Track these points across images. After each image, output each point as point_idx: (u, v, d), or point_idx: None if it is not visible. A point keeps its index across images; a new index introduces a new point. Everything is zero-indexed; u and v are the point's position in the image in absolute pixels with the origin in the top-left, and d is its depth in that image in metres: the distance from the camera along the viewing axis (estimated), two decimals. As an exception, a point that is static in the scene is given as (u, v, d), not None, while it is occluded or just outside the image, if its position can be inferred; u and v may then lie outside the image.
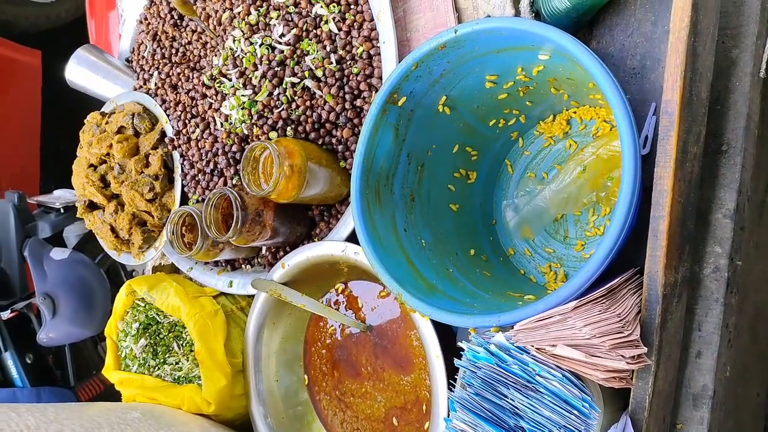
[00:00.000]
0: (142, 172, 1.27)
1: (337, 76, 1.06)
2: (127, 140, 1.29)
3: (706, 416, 0.84)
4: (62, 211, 1.86)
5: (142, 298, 1.22)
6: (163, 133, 1.29)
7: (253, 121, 1.12)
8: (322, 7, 1.08)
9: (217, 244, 1.12)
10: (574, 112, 0.98)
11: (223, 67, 1.17)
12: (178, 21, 1.34)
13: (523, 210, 1.00)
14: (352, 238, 1.01)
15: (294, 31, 1.09)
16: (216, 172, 1.21)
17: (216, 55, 1.21)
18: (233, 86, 1.15)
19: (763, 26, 0.84)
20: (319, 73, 1.07)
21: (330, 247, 1.06)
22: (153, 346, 1.21)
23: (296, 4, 1.11)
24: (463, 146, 1.01)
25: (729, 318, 0.86)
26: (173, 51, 1.34)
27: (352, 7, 1.07)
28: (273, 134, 1.10)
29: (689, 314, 0.85)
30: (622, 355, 0.70)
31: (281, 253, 1.16)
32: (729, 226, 0.84)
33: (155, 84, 1.33)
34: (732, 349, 0.88)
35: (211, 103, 1.21)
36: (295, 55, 1.09)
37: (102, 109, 1.40)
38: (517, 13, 0.92)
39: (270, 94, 1.10)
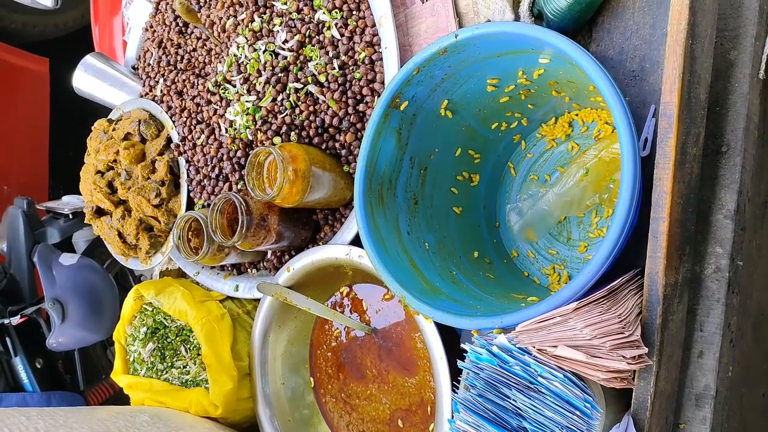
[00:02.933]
0: (148, 177, 1.28)
1: (339, 82, 1.07)
2: (133, 146, 1.30)
3: (708, 416, 0.84)
4: (71, 217, 1.87)
5: (150, 303, 1.23)
6: (169, 140, 1.30)
7: (257, 126, 1.12)
8: (324, 13, 1.09)
9: (223, 248, 1.13)
10: (576, 115, 0.97)
11: (228, 73, 1.18)
12: (183, 28, 1.35)
13: (526, 214, 1.00)
14: (357, 241, 1.01)
15: (297, 37, 1.10)
16: (221, 177, 1.21)
17: (220, 62, 1.22)
18: (237, 92, 1.16)
19: (762, 28, 0.84)
20: (322, 78, 1.08)
21: (334, 251, 1.06)
22: (161, 350, 1.22)
23: (299, 11, 1.12)
24: (466, 149, 1.01)
25: (731, 318, 0.86)
26: (178, 58, 1.35)
27: (354, 13, 1.08)
28: (277, 139, 1.10)
29: (691, 314, 0.85)
30: (622, 356, 0.70)
31: (286, 257, 1.16)
32: (729, 226, 0.84)
33: (161, 91, 1.34)
34: (734, 349, 0.88)
35: (216, 109, 1.21)
36: (298, 61, 1.10)
37: (109, 116, 1.41)
38: (517, 18, 0.92)
39: (274, 100, 1.11)
